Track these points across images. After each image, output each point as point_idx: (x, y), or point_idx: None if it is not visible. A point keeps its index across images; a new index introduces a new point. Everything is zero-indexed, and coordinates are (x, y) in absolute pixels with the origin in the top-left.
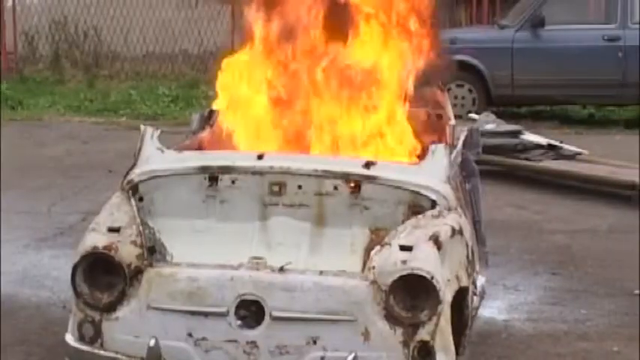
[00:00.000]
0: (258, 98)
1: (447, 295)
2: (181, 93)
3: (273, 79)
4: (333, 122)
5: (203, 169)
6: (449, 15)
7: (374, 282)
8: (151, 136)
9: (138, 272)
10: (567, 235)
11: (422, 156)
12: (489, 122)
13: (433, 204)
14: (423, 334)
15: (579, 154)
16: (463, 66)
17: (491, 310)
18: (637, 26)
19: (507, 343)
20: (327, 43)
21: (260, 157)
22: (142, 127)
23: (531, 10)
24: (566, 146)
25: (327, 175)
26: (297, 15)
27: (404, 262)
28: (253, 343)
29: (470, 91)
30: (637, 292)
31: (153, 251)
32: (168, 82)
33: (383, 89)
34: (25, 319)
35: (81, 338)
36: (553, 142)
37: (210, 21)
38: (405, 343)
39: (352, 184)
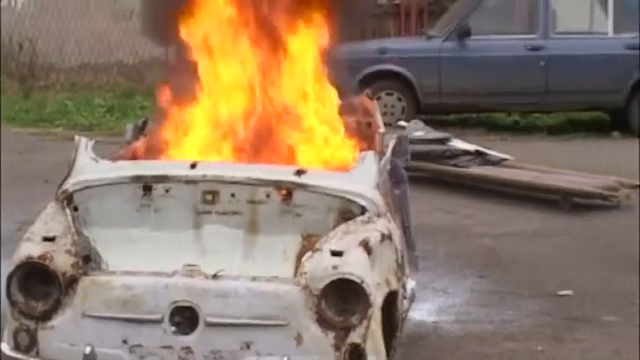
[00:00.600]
0: (192, 108)
1: (377, 298)
2: (117, 103)
3: (206, 89)
4: (264, 131)
5: (137, 179)
6: (378, 26)
7: (306, 287)
8: (85, 146)
9: (73, 281)
10: (494, 238)
11: (352, 163)
12: (418, 130)
13: (363, 210)
14: (354, 337)
15: (505, 159)
16: (392, 75)
17: (420, 313)
18: (558, 36)
19: (437, 344)
20: (257, 55)
21: (193, 165)
22: (77, 137)
23: (458, 20)
24: (492, 152)
25: (260, 183)
26: (227, 28)
27: (335, 267)
28: (188, 349)
29: (399, 99)
30: (560, 293)
31: (88, 260)
32: (103, 93)
33: (312, 100)
34: None
35: (16, 347)
36: (480, 148)
37: None
38: (337, 347)
39: (284, 192)
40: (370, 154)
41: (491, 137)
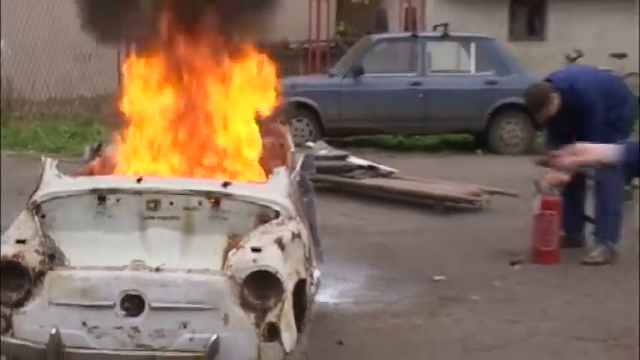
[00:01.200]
0: (138, 132)
1: (289, 285)
2: (78, 130)
3: (147, 118)
4: (197, 151)
5: (94, 191)
6: (290, 66)
7: (231, 277)
8: (50, 165)
9: (41, 275)
10: (384, 235)
11: (268, 177)
12: (322, 149)
13: (277, 214)
14: (270, 317)
15: (392, 172)
16: (302, 105)
17: (325, 296)
18: (433, 74)
19: (338, 321)
20: (194, 85)
21: (139, 180)
22: (43, 158)
23: (353, 62)
24: (382, 167)
25: (193, 193)
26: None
27: (255, 260)
28: (136, 329)
29: (307, 124)
30: (436, 278)
31: (53, 258)
32: (67, 122)
33: (238, 126)
34: None
35: None
36: (372, 163)
37: (101, 72)
38: (257, 325)
39: (213, 200)
40: (282, 170)
41: (382, 155)
